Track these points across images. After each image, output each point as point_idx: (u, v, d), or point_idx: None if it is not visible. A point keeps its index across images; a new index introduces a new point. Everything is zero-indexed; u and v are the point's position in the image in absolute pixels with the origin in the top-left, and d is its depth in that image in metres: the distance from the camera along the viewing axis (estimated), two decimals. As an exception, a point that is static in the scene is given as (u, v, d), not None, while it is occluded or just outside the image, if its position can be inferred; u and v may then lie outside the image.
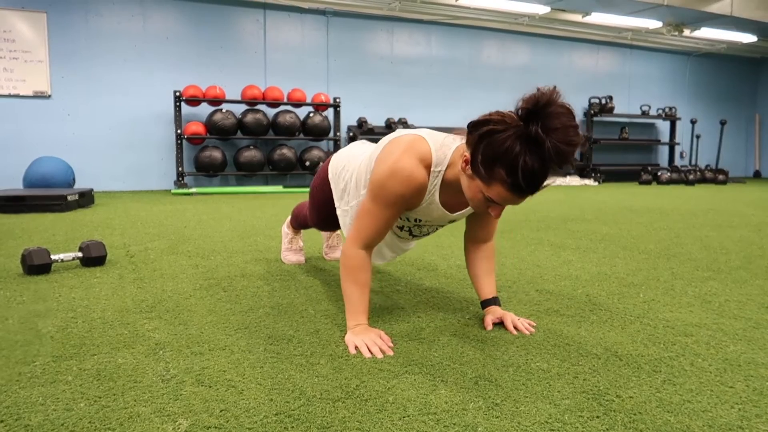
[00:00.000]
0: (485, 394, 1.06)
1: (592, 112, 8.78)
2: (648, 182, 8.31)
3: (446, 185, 1.34)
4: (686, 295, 1.80)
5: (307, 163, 6.62)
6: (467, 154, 1.20)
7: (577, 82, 9.02)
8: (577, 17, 7.90)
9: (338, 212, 1.65)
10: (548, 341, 1.35)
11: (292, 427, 0.93)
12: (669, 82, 9.95)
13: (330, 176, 1.68)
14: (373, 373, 1.15)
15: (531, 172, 1.09)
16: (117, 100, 6.28)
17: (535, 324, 1.47)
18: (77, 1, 6.06)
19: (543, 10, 7.48)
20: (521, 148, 1.08)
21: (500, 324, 1.47)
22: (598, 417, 0.97)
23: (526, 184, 1.11)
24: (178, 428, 0.92)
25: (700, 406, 1.02)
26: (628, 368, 1.19)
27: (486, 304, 1.51)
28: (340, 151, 1.71)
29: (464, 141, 1.23)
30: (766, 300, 1.75)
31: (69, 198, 4.12)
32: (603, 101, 8.84)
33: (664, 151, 9.96)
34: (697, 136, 9.40)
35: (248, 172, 6.43)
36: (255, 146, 6.48)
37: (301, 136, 6.69)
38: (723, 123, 9.43)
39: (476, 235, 1.54)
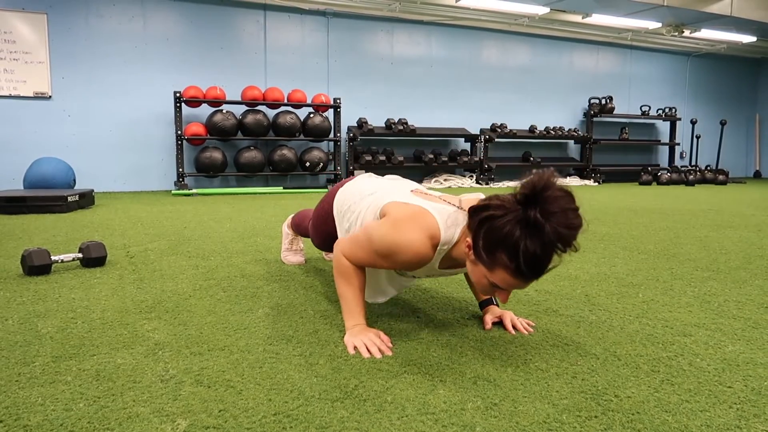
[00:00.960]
0: (484, 393, 1.06)
1: (592, 112, 8.78)
2: (648, 183, 8.30)
3: (449, 257, 1.32)
4: (685, 295, 1.80)
5: (308, 164, 6.62)
6: (469, 239, 1.18)
7: (577, 82, 9.02)
8: (577, 18, 7.90)
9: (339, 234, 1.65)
10: (547, 341, 1.36)
11: (291, 427, 0.93)
12: (669, 82, 9.95)
13: (335, 212, 1.65)
14: (371, 373, 1.16)
15: (533, 257, 1.08)
16: (117, 101, 6.29)
17: (533, 324, 1.47)
18: (78, 2, 6.06)
19: (543, 10, 7.48)
20: (521, 233, 1.07)
21: (499, 324, 1.47)
22: (596, 417, 0.97)
23: (528, 270, 1.09)
24: (177, 428, 0.92)
25: (699, 406, 1.02)
26: (627, 368, 1.19)
27: (484, 303, 1.52)
28: (346, 186, 1.65)
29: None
30: (766, 300, 1.75)
31: (69, 199, 4.12)
32: (603, 102, 8.84)
33: (664, 151, 9.96)
34: (697, 137, 9.40)
35: (248, 173, 6.43)
36: (255, 147, 6.49)
37: (302, 136, 6.69)
38: (723, 123, 9.43)
39: None
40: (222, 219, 3.73)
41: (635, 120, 9.51)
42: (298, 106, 6.67)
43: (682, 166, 9.31)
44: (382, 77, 7.58)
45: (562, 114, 8.93)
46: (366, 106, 7.48)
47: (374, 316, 1.54)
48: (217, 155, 6.25)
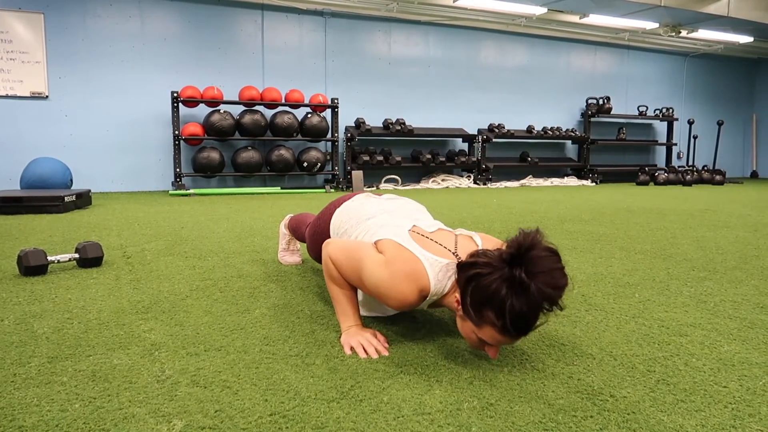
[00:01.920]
0: (480, 394, 1.07)
1: (590, 112, 8.79)
2: (645, 183, 8.32)
3: (437, 303, 1.32)
4: (681, 295, 1.81)
5: (305, 164, 6.62)
6: (457, 295, 1.18)
7: (575, 82, 9.03)
8: (575, 18, 7.91)
9: None
10: (543, 341, 1.36)
11: (287, 427, 0.93)
12: (666, 82, 9.97)
13: (331, 232, 1.66)
14: (368, 373, 1.16)
15: (519, 316, 1.08)
16: (114, 101, 6.27)
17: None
18: (75, 1, 6.05)
19: (540, 11, 7.49)
20: (507, 292, 1.07)
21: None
22: (591, 417, 0.98)
23: (514, 328, 1.09)
24: (173, 429, 0.92)
25: (694, 406, 1.02)
26: (623, 368, 1.19)
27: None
28: (343, 206, 1.65)
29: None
30: (761, 300, 1.76)
31: (66, 199, 4.12)
32: (600, 102, 8.85)
33: (661, 151, 9.97)
34: (695, 137, 9.42)
35: (246, 173, 6.42)
36: (253, 147, 6.48)
37: (299, 137, 6.69)
38: (720, 123, 9.45)
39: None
40: (219, 219, 3.72)
41: (632, 120, 9.53)
42: (295, 106, 6.66)
43: (679, 167, 9.33)
44: (379, 77, 7.57)
45: (559, 114, 8.94)
46: (364, 106, 7.48)
47: (370, 317, 1.54)
48: (214, 155, 6.24)
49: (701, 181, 8.60)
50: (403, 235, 1.33)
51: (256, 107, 6.54)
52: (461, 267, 1.16)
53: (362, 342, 1.28)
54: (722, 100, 10.62)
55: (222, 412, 0.98)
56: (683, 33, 8.56)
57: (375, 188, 7.05)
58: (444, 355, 1.26)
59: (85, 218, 3.77)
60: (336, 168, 6.93)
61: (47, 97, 6.01)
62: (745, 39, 9.03)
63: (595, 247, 2.70)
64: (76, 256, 2.14)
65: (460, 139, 8.08)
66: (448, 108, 8.02)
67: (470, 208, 4.40)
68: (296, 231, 2.15)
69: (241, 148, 6.47)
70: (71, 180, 5.29)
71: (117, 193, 6.17)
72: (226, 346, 1.31)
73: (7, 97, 5.86)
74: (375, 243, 1.35)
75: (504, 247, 1.12)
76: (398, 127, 7.18)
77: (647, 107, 9.37)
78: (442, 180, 7.56)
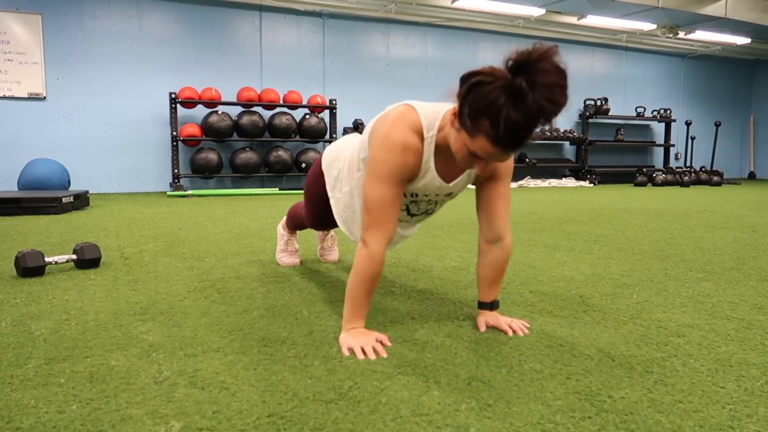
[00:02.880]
0: (478, 395, 1.07)
1: (588, 113, 8.80)
2: (643, 184, 8.33)
3: (440, 150, 1.34)
4: (679, 296, 1.81)
5: (303, 165, 6.61)
6: (456, 107, 1.20)
7: (573, 84, 8.72)
8: (573, 19, 7.92)
9: (331, 202, 1.66)
10: (541, 342, 1.36)
11: (285, 428, 0.93)
12: (664, 83, 9.99)
13: (324, 167, 1.68)
14: (366, 374, 1.16)
15: (513, 125, 1.08)
16: (112, 102, 6.27)
17: (528, 325, 1.47)
18: (72, 2, 6.05)
19: (538, 12, 7.50)
20: (505, 101, 1.07)
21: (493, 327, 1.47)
22: (589, 417, 0.98)
23: (507, 138, 1.10)
24: (171, 430, 0.92)
25: (692, 407, 1.02)
26: (621, 369, 1.19)
27: (483, 306, 1.51)
28: (332, 144, 1.72)
29: (455, 103, 1.22)
30: (759, 301, 1.76)
31: (64, 200, 4.11)
32: (598, 103, 8.86)
33: (659, 152, 9.99)
34: (692, 138, 9.44)
35: (244, 174, 6.42)
36: (251, 148, 6.48)
37: (297, 138, 6.69)
38: (718, 124, 9.47)
39: (486, 229, 1.46)
40: (217, 220, 3.72)
41: (630, 121, 9.54)
42: (293, 107, 6.66)
43: (677, 168, 9.34)
44: (378, 78, 7.58)
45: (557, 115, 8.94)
46: (362, 107, 7.48)
47: (369, 318, 1.54)
48: (212, 156, 6.24)
49: (699, 182, 8.62)
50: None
51: (255, 108, 6.54)
52: (464, 77, 1.16)
53: (360, 343, 1.28)
54: (720, 101, 10.64)
55: (220, 413, 0.98)
56: (681, 34, 8.58)
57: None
58: (442, 356, 1.26)
59: (82, 219, 3.76)
60: (334, 169, 6.92)
61: (45, 98, 6.00)
62: (742, 40, 9.05)
63: (593, 248, 2.70)
64: (74, 257, 2.14)
65: (459, 140, 8.08)
66: (447, 109, 8.02)
67: (467, 209, 4.41)
68: (294, 218, 2.14)
69: (239, 149, 6.46)
70: (69, 181, 5.29)
71: (115, 194, 6.16)
72: (224, 347, 1.31)
73: (4, 98, 5.85)
74: (367, 136, 1.40)
75: (513, 55, 1.10)
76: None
77: (645, 108, 9.38)
78: (441, 181, 7.56)
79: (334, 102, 6.86)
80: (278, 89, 6.74)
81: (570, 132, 8.62)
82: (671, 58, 9.98)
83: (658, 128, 9.95)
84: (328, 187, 1.66)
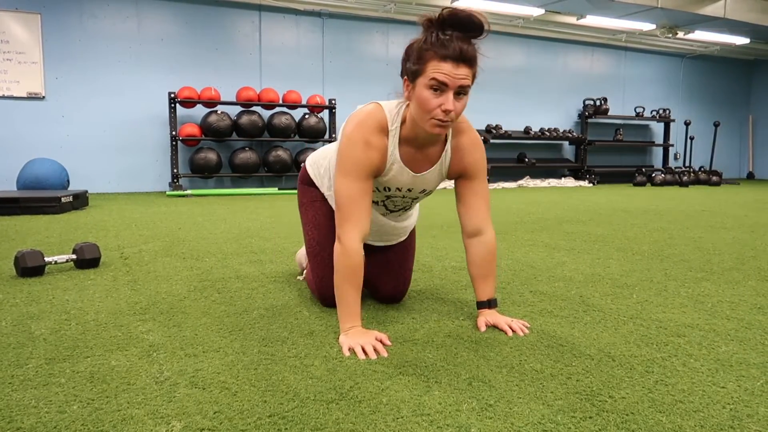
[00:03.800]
0: (479, 395, 1.07)
1: (587, 113, 8.81)
2: (642, 184, 8.34)
3: (405, 141, 1.42)
4: (679, 296, 1.81)
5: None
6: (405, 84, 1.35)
7: (572, 83, 9.05)
8: (572, 19, 7.92)
9: (329, 200, 1.66)
10: (542, 342, 1.36)
11: (286, 428, 0.93)
12: (663, 83, 10.00)
13: (310, 172, 1.70)
14: (366, 374, 1.16)
15: (447, 19, 1.26)
16: (112, 102, 6.26)
17: (528, 325, 1.47)
18: (71, 2, 6.04)
19: (537, 12, 7.50)
20: (431, 29, 1.28)
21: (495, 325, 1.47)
22: (590, 417, 0.98)
23: (448, 43, 1.25)
24: (172, 430, 0.92)
25: (692, 407, 1.02)
26: (621, 369, 1.20)
27: (481, 306, 1.51)
28: (312, 154, 1.78)
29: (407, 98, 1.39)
30: (758, 301, 1.76)
31: (63, 200, 4.10)
32: (597, 103, 8.87)
33: (658, 152, 10.00)
34: (691, 138, 9.44)
35: (243, 174, 6.42)
36: (250, 148, 6.48)
37: (297, 137, 6.68)
38: (716, 124, 9.48)
39: (465, 224, 1.52)
40: (217, 220, 3.72)
41: (629, 121, 9.55)
42: (293, 107, 6.66)
43: (676, 167, 9.35)
44: (377, 78, 7.57)
45: (556, 115, 8.96)
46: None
47: (369, 318, 1.54)
48: (211, 156, 6.23)
49: (698, 182, 8.63)
50: None
51: (254, 108, 6.54)
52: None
53: (361, 343, 1.28)
54: (719, 101, 10.65)
55: (221, 413, 0.98)
56: (680, 34, 8.59)
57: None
58: (443, 356, 1.26)
59: (82, 219, 3.76)
60: (333, 169, 6.92)
61: (44, 97, 6.00)
62: (741, 40, 9.06)
63: (593, 248, 2.70)
64: (74, 257, 2.14)
65: (458, 140, 8.08)
66: (446, 109, 8.02)
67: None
68: (314, 293, 1.96)
69: (238, 148, 6.46)
70: (68, 181, 5.28)
71: (114, 193, 6.16)
72: (225, 347, 1.31)
73: (3, 97, 5.85)
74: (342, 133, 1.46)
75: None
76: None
77: (644, 108, 9.39)
78: (440, 181, 7.56)
79: (333, 102, 6.85)
80: (277, 89, 6.74)
81: (569, 132, 8.63)
82: (670, 58, 9.99)
83: (657, 128, 9.96)
84: (324, 189, 1.66)
